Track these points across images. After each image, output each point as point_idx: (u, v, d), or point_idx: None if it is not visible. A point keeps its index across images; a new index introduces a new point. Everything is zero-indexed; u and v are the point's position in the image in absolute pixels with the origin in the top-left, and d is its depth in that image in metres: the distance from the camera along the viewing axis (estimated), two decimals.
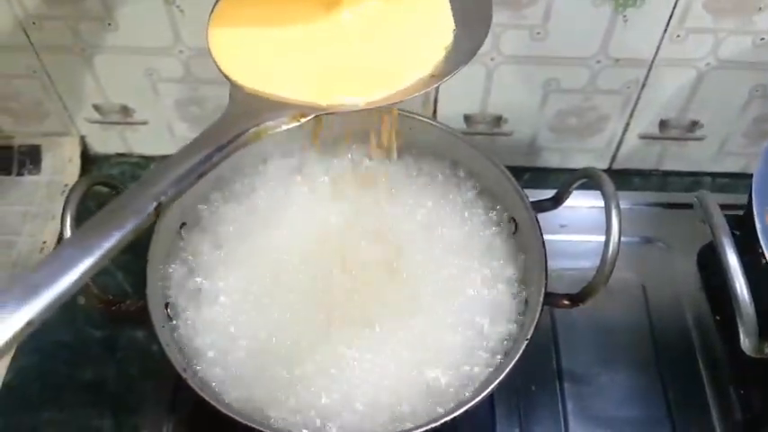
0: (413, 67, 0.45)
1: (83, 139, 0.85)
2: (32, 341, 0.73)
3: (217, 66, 0.44)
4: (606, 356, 0.67)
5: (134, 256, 0.59)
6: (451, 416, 0.49)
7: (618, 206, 0.53)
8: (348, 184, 0.65)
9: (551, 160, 0.87)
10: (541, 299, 0.54)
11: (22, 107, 0.81)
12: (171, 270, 0.63)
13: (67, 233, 0.52)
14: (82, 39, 0.72)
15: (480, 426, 0.63)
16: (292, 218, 0.65)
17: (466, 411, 0.50)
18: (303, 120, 0.41)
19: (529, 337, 0.52)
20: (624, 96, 0.79)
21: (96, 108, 0.81)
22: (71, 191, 0.54)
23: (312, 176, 0.67)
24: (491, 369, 0.55)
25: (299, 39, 0.46)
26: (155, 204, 0.36)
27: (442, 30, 0.47)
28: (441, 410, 0.52)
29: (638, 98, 0.79)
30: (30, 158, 0.84)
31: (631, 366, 0.67)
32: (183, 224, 0.65)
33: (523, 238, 0.62)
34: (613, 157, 0.87)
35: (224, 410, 0.50)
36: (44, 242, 0.79)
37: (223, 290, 0.62)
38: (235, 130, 0.39)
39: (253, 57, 0.45)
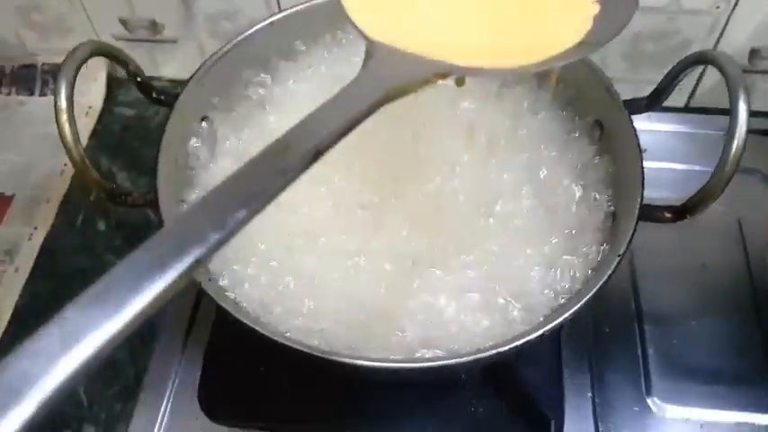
0: (556, 38, 0.40)
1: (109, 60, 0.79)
2: (47, 265, 0.68)
3: (351, 22, 0.40)
4: (695, 298, 0.58)
5: None
6: (547, 328, 0.41)
7: (746, 90, 0.43)
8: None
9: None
10: (637, 210, 0.45)
11: (46, 21, 0.75)
12: (187, 166, 0.56)
13: (62, 104, 0.45)
14: None
15: (545, 372, 0.54)
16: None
17: (532, 347, 0.41)
18: (444, 80, 0.37)
19: (622, 252, 0.43)
20: (712, 18, 0.69)
21: (123, 23, 0.75)
22: (68, 56, 0.47)
23: None
24: (568, 296, 0.46)
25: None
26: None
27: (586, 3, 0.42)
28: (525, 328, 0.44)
29: (728, 21, 0.69)
30: (53, 78, 0.78)
31: (724, 310, 0.58)
32: (204, 117, 0.57)
33: (611, 145, 0.53)
34: (692, 93, 0.77)
35: (252, 326, 0.42)
36: (65, 164, 0.74)
37: None
38: (378, 89, 0.34)
39: (389, 12, 0.42)
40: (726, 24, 0.69)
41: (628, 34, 0.71)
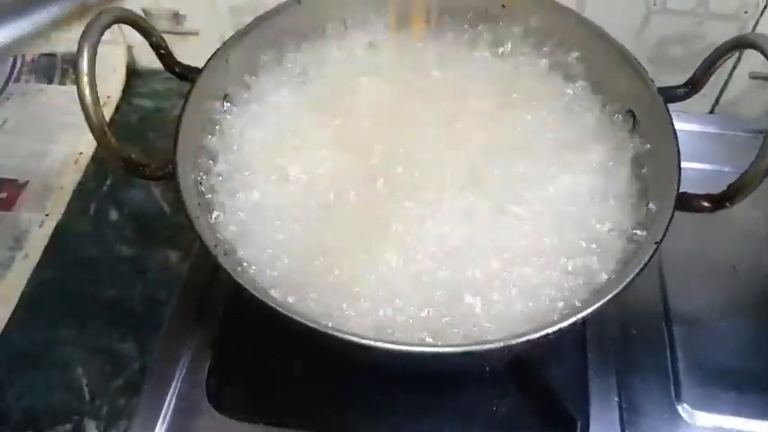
0: None
1: (129, 50, 0.79)
2: (57, 253, 0.66)
3: None
4: (725, 301, 0.56)
5: None
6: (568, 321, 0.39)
7: None
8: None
9: None
10: (674, 198, 0.43)
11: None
12: (206, 143, 0.54)
13: (83, 68, 0.44)
14: None
15: (570, 375, 0.52)
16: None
17: (558, 343, 0.39)
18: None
19: (659, 239, 0.42)
20: (740, 23, 0.68)
21: (145, 13, 0.75)
22: (93, 20, 0.46)
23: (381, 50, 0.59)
24: (598, 286, 0.44)
25: None
26: None
27: None
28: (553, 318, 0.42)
29: (756, 25, 0.68)
30: (73, 67, 0.78)
31: (756, 313, 0.55)
32: (226, 95, 0.56)
33: (644, 135, 0.51)
34: (717, 100, 0.76)
35: (269, 302, 0.40)
36: (80, 153, 0.73)
37: (269, 168, 0.53)
38: None
39: None
40: (754, 28, 0.69)
41: (653, 37, 0.70)
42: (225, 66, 0.54)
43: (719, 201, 0.43)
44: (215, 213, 0.50)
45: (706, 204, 0.44)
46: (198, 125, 0.53)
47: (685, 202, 0.44)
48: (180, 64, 0.54)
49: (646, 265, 0.41)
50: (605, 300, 0.39)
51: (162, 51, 0.53)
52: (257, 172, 0.53)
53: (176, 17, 0.74)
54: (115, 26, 0.76)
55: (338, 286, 0.46)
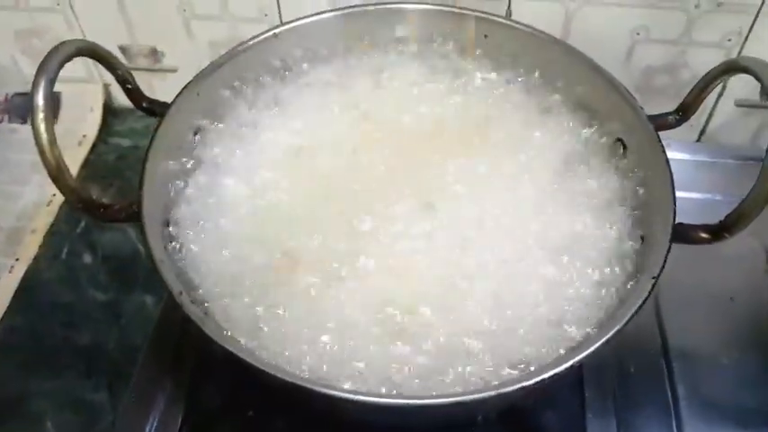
0: None
1: (106, 89, 0.77)
2: (27, 299, 0.63)
3: None
4: (725, 334, 0.54)
5: None
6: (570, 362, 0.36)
7: None
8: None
9: None
10: (671, 229, 0.41)
11: (45, 46, 0.73)
12: (177, 180, 0.52)
13: (39, 102, 0.41)
14: None
15: (567, 416, 0.49)
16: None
17: (553, 387, 0.37)
18: None
19: (657, 275, 0.40)
20: (724, 51, 0.68)
21: (123, 50, 0.73)
22: (52, 51, 0.43)
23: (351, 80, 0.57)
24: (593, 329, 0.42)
25: None
26: None
27: None
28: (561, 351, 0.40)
29: (740, 52, 0.68)
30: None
31: (757, 345, 0.54)
32: (198, 130, 0.54)
33: (635, 163, 0.50)
34: (703, 129, 0.76)
35: (237, 353, 0.38)
36: (53, 195, 0.71)
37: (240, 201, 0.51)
38: None
39: None
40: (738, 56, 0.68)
41: (639, 67, 0.70)
42: (196, 99, 0.52)
43: (718, 232, 0.41)
44: (185, 253, 0.48)
45: (704, 236, 0.42)
46: (168, 161, 0.51)
47: (682, 234, 0.42)
48: (148, 99, 0.52)
49: (645, 300, 0.39)
50: (606, 337, 0.37)
51: (129, 86, 0.51)
52: (231, 209, 0.50)
53: (154, 54, 0.73)
54: (91, 63, 0.75)
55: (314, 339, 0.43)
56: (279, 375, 0.36)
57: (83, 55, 0.46)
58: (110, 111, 0.78)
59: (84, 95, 0.76)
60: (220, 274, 0.46)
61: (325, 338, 0.43)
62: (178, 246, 0.47)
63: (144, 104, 0.52)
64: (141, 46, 0.72)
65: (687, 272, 0.54)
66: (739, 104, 0.72)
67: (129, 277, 0.65)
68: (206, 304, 0.45)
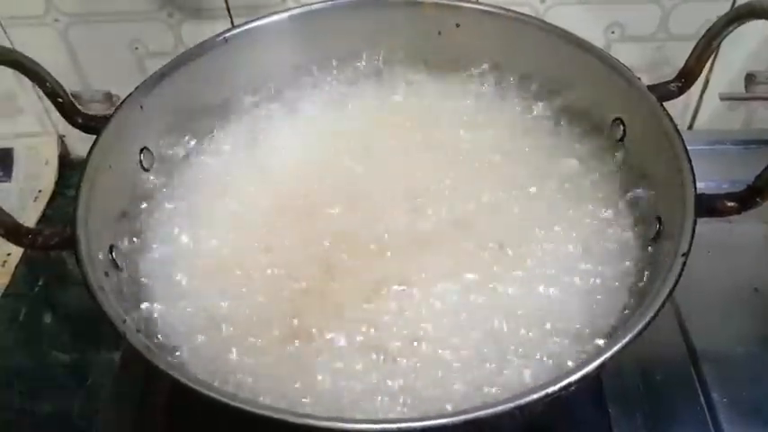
0: None
1: (61, 140, 0.73)
2: None
3: None
4: (755, 329, 0.49)
5: None
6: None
7: None
8: None
9: None
10: (693, 202, 0.36)
11: None
12: (121, 203, 0.47)
13: None
14: (54, 6, 0.62)
15: None
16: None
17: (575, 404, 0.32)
18: None
19: (686, 251, 0.34)
20: None
21: (75, 96, 0.69)
22: None
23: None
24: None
25: None
26: None
27: None
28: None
29: (719, 45, 0.65)
30: (0, 163, 0.72)
31: None
32: (144, 148, 0.49)
33: (636, 142, 0.45)
34: (690, 125, 0.73)
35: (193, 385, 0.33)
36: (8, 254, 0.65)
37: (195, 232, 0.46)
38: None
39: None
40: (717, 50, 0.66)
41: None
42: (140, 113, 0.47)
43: (747, 198, 0.35)
44: (140, 284, 0.43)
45: (731, 205, 0.36)
46: (111, 184, 0.45)
47: (707, 207, 0.36)
48: (83, 114, 0.46)
49: (677, 282, 0.33)
50: (646, 320, 0.32)
51: (60, 100, 0.45)
52: (181, 234, 0.46)
53: (109, 99, 0.69)
54: (42, 110, 0.71)
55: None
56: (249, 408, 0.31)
57: (5, 65, 0.41)
58: (66, 163, 0.73)
59: (40, 149, 0.72)
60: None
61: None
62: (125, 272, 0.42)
63: (79, 120, 0.46)
64: (95, 91, 0.69)
65: (701, 266, 0.49)
66: (724, 98, 0.70)
67: (93, 336, 0.59)
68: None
